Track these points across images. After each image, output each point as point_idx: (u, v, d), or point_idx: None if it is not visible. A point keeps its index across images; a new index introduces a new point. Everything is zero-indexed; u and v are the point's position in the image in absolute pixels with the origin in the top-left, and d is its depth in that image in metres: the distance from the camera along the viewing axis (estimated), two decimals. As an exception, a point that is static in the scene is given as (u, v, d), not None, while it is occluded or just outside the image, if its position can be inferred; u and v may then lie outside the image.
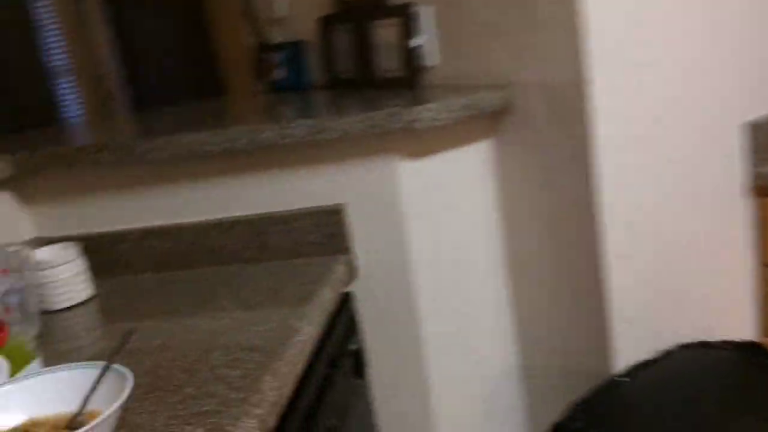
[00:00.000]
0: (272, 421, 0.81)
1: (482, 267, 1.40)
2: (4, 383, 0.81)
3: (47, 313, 1.18)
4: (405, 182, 1.25)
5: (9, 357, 0.90)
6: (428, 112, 1.18)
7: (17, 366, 0.92)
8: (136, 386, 0.88)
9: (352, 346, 1.19)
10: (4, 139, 1.58)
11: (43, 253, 1.24)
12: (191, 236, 1.29)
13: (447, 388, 1.34)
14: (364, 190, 1.25)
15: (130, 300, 1.19)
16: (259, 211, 1.29)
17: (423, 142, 1.27)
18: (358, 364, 1.19)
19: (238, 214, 1.30)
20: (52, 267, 1.19)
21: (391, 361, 1.30)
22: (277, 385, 0.85)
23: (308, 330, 0.99)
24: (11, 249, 0.99)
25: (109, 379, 0.81)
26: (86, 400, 0.79)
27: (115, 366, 0.81)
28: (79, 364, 0.83)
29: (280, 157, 1.26)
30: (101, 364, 0.82)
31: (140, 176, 1.30)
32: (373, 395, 1.31)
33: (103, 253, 1.32)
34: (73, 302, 1.20)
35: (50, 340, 1.06)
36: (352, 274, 1.27)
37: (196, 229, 1.29)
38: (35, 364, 0.94)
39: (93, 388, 0.80)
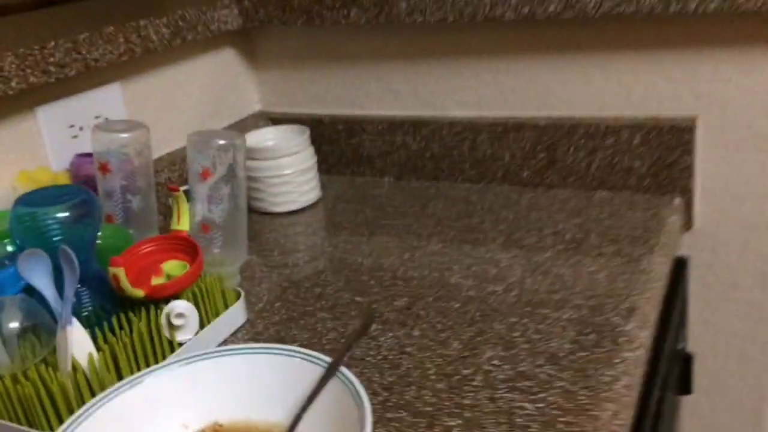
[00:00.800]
0: None
1: None
2: (189, 357, 0.54)
3: (259, 214, 0.92)
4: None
5: (202, 294, 0.64)
6: None
7: (212, 309, 0.65)
8: (369, 388, 0.57)
9: (681, 345, 0.78)
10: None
11: (264, 138, 0.96)
12: (450, 137, 0.93)
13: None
14: (737, 98, 0.78)
15: (364, 215, 0.88)
16: (552, 113, 0.88)
17: None
18: (685, 374, 0.79)
19: (520, 114, 0.90)
20: (275, 158, 0.90)
21: (723, 369, 0.87)
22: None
23: (641, 337, 0.60)
24: (221, 141, 0.70)
25: (334, 385, 0.50)
26: (297, 419, 0.49)
27: (345, 372, 0.50)
28: (292, 350, 0.53)
29: (598, 34, 0.82)
30: (324, 359, 0.51)
31: (397, 45, 0.94)
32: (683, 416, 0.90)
33: (335, 144, 1.02)
34: (294, 207, 0.93)
35: (259, 261, 0.79)
36: (684, 226, 0.84)
37: (459, 128, 0.92)
38: (237, 309, 0.67)
39: (309, 400, 0.50)
